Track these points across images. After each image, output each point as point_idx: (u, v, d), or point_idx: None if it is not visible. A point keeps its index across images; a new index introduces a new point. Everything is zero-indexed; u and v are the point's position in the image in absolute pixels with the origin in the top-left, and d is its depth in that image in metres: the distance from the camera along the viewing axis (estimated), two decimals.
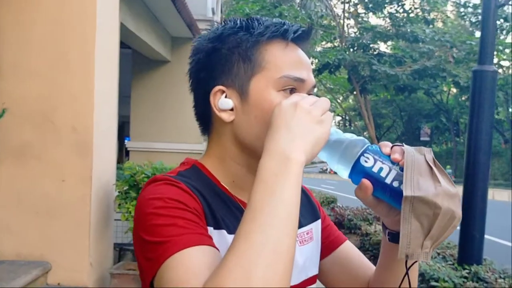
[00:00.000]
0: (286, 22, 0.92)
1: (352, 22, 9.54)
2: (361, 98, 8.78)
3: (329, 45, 10.10)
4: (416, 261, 0.88)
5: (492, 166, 36.98)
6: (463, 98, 34.20)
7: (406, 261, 0.83)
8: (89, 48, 3.83)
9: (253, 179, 0.75)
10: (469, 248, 5.02)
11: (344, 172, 0.86)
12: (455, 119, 37.59)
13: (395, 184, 0.81)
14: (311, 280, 1.01)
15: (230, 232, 0.84)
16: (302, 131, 0.77)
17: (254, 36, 0.88)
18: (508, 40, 10.26)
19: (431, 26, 8.52)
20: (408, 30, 8.31)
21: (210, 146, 0.98)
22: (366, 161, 0.83)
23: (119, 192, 3.98)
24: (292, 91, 0.87)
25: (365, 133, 9.27)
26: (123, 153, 15.83)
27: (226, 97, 0.89)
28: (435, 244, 0.78)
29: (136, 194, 3.87)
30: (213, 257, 0.73)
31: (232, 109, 0.89)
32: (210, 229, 0.82)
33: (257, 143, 0.85)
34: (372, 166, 0.83)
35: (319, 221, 1.10)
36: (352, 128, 48.91)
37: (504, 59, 9.32)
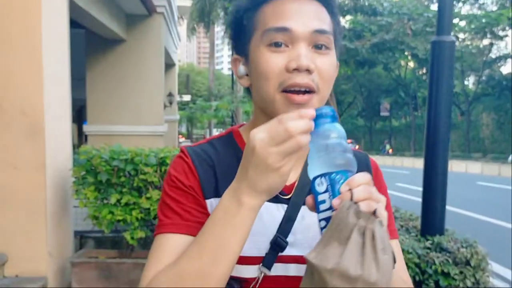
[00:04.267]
0: None
1: None
2: None
3: None
4: None
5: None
6: (420, 72, 34.91)
7: None
8: (35, 25, 3.61)
9: None
10: (431, 219, 5.09)
11: (309, 171, 0.78)
12: (413, 93, 38.39)
13: (322, 224, 0.75)
14: None
15: None
16: (255, 178, 0.74)
17: (249, 2, 0.92)
18: (463, 12, 10.46)
19: None
20: (366, 3, 8.29)
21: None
22: (318, 185, 0.76)
23: (75, 178, 3.81)
24: (279, 45, 0.86)
25: None
26: (82, 138, 15.44)
27: (242, 64, 0.95)
28: None
29: (94, 179, 3.71)
30: (180, 245, 0.85)
31: (247, 75, 0.95)
32: (210, 201, 0.91)
33: (266, 105, 0.90)
34: (319, 193, 0.76)
35: None
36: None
37: (461, 31, 9.45)
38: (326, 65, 0.88)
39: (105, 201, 3.79)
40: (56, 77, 3.95)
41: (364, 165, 1.03)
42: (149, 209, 3.71)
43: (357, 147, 37.99)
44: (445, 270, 4.58)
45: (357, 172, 0.76)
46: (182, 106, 28.19)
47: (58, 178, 3.93)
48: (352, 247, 0.66)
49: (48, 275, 3.69)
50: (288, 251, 0.91)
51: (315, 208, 0.76)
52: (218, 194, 0.89)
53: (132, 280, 3.64)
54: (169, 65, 12.85)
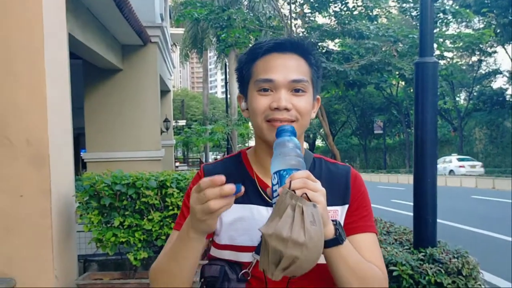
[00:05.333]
0: (275, 38, 1.24)
1: (299, 22, 9.74)
2: None
3: None
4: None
5: (443, 154, 37.94)
6: (411, 90, 35.32)
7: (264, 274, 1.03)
8: (39, 61, 3.80)
9: (267, 159, 1.12)
10: (423, 232, 5.25)
11: (271, 169, 1.05)
12: (405, 111, 38.77)
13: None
14: None
15: (237, 202, 1.14)
16: (193, 223, 1.03)
17: (247, 56, 1.24)
18: (449, 32, 10.81)
19: (375, 22, 8.82)
20: (353, 27, 8.57)
21: None
22: (273, 178, 1.03)
23: (79, 203, 3.98)
24: (266, 90, 1.18)
25: (321, 130, 9.49)
26: (79, 165, 15.55)
27: (244, 101, 1.27)
28: (275, 270, 0.95)
29: (97, 203, 3.87)
30: None
31: (247, 109, 1.24)
32: None
33: (258, 131, 1.21)
34: (273, 185, 1.03)
35: (347, 206, 1.26)
36: (308, 126, 49.56)
37: (447, 50, 9.72)
38: (302, 103, 1.18)
39: (108, 225, 3.95)
40: (59, 108, 4.13)
41: (343, 174, 1.30)
42: (151, 230, 3.87)
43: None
44: (438, 280, 4.73)
45: (338, 180, 1.25)
46: (178, 130, 28.43)
47: (62, 204, 4.08)
48: (285, 218, 0.92)
49: None
50: None
51: (272, 195, 1.03)
52: None
53: None
54: (164, 91, 13.09)
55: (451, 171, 30.49)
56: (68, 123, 4.43)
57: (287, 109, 1.16)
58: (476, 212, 13.02)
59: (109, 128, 8.35)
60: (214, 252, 1.26)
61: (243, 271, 1.18)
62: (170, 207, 3.91)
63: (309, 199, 0.95)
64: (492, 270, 6.17)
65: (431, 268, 4.81)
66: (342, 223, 1.22)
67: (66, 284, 4.04)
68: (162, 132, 11.42)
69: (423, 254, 5.05)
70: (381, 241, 5.86)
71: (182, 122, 28.07)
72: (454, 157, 32.00)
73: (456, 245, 5.40)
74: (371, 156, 49.37)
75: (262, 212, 1.21)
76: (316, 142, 55.51)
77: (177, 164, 30.84)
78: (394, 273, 4.82)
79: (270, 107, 1.17)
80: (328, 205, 1.13)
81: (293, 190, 0.95)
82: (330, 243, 1.04)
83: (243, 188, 0.99)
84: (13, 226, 3.78)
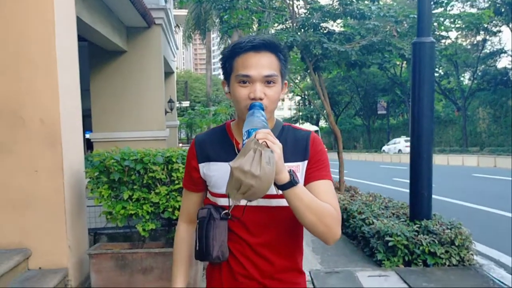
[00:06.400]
0: (251, 38, 1.50)
1: (301, 3, 9.82)
2: (315, 76, 9.12)
3: (281, 27, 10.36)
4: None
5: (446, 134, 37.83)
6: None
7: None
8: (50, 44, 4.00)
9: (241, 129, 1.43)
10: (419, 205, 5.48)
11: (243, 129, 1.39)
12: (409, 91, 38.59)
13: None
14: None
15: (220, 160, 1.56)
16: None
17: (229, 53, 1.53)
18: (453, 11, 10.87)
19: (376, 3, 8.88)
20: (355, 8, 8.65)
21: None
22: (243, 135, 1.35)
23: (90, 178, 4.19)
24: (245, 82, 1.48)
25: (324, 111, 9.63)
26: (84, 146, 15.78)
27: (227, 86, 1.58)
28: (236, 194, 1.27)
29: (107, 178, 4.08)
30: (186, 193, 1.73)
31: (230, 93, 1.56)
32: (201, 165, 1.61)
33: (240, 114, 1.54)
34: (243, 140, 1.34)
35: (306, 162, 1.57)
36: (311, 106, 49.54)
37: (447, 30, 9.78)
38: (272, 93, 1.49)
39: (118, 198, 4.17)
40: (69, 89, 4.33)
41: (305, 138, 1.61)
42: (158, 203, 4.09)
43: None
44: (432, 250, 4.97)
45: (302, 144, 1.58)
46: (181, 112, 28.63)
47: (74, 180, 4.31)
48: (247, 157, 1.24)
49: (68, 267, 4.07)
50: None
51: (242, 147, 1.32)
52: (208, 160, 1.59)
53: (145, 267, 4.02)
54: (168, 73, 13.24)
55: (399, 150, 36.78)
56: (78, 103, 4.63)
57: (261, 98, 1.47)
58: (477, 189, 13.21)
59: (115, 108, 8.55)
60: (208, 195, 1.64)
61: (224, 211, 1.54)
62: (176, 181, 4.11)
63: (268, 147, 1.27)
64: (488, 242, 6.41)
65: (425, 239, 5.04)
66: (303, 175, 1.56)
67: (79, 254, 4.29)
68: (166, 112, 11.61)
69: (418, 226, 5.29)
70: (378, 215, 6.10)
71: (185, 104, 28.24)
72: (402, 139, 38.08)
73: (450, 218, 5.63)
74: (375, 137, 49.45)
75: None
76: (320, 123, 55.59)
77: (181, 145, 31.09)
78: (390, 244, 5.07)
79: (249, 96, 1.48)
80: (292, 161, 1.54)
81: (257, 140, 1.26)
82: (286, 186, 1.35)
83: None
84: (29, 201, 4.02)
